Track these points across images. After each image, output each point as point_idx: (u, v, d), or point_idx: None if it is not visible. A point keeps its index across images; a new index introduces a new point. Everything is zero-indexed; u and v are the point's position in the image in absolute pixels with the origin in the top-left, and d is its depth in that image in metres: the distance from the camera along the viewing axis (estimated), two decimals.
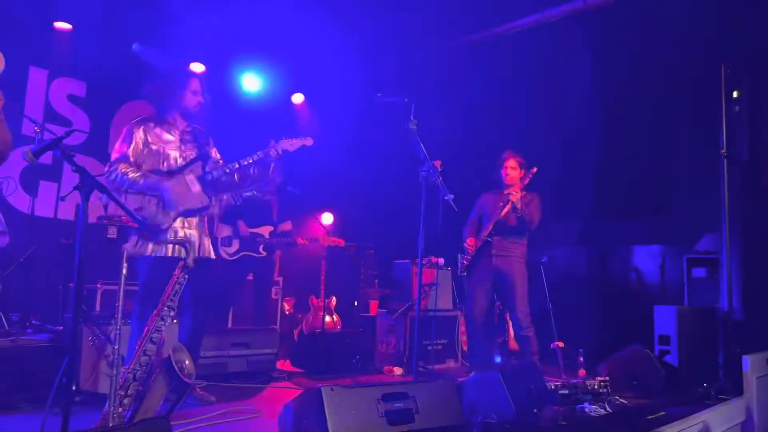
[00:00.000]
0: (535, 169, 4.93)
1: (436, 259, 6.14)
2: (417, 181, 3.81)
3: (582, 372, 4.81)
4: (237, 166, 3.75)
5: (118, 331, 2.78)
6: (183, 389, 2.90)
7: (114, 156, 3.60)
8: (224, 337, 4.70)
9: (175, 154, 3.71)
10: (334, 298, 6.70)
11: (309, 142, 3.88)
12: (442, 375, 5.19)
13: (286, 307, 6.87)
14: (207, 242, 3.79)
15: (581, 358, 4.96)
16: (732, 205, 5.03)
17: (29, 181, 5.60)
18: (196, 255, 3.57)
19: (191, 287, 3.43)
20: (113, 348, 2.77)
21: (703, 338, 4.83)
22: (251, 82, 7.14)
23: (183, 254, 3.10)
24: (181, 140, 3.76)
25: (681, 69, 5.73)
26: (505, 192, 4.99)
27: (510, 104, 6.98)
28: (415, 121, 3.75)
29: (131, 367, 2.89)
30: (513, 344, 5.62)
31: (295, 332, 6.49)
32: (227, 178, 3.78)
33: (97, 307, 4.84)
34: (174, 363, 2.81)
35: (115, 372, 2.75)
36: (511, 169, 5.10)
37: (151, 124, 3.70)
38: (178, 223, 3.60)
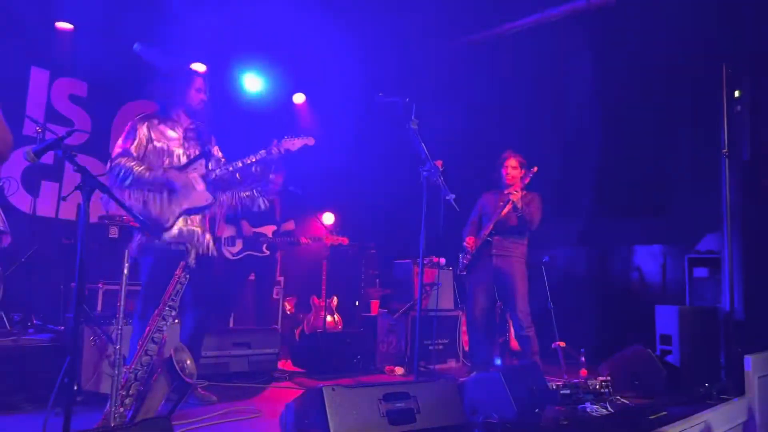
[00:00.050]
0: (535, 169, 4.93)
1: (437, 258, 6.14)
2: (418, 180, 3.81)
3: (583, 372, 4.81)
4: (240, 164, 3.76)
5: (119, 331, 2.79)
6: (184, 389, 2.90)
7: (116, 151, 3.60)
8: (226, 336, 4.70)
9: (179, 152, 3.72)
10: (335, 297, 6.71)
11: (311, 141, 3.90)
12: (443, 375, 5.19)
13: (288, 306, 6.87)
14: (209, 240, 3.80)
15: (582, 358, 4.97)
16: (733, 205, 5.03)
17: (31, 181, 5.61)
18: (199, 253, 3.58)
19: (193, 286, 3.43)
20: (115, 348, 2.77)
21: (705, 338, 4.84)
22: (252, 82, 7.15)
23: (185, 249, 3.11)
24: (185, 137, 3.77)
25: (682, 68, 5.73)
26: (506, 192, 4.99)
27: (511, 104, 6.98)
28: (417, 121, 3.75)
29: (133, 366, 2.89)
30: (514, 344, 5.61)
31: (297, 332, 6.50)
32: (230, 177, 3.79)
33: (99, 307, 4.84)
34: (175, 363, 2.81)
35: (116, 372, 2.75)
36: (512, 169, 5.10)
37: (155, 121, 3.71)
38: (180, 222, 3.61)
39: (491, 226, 5.00)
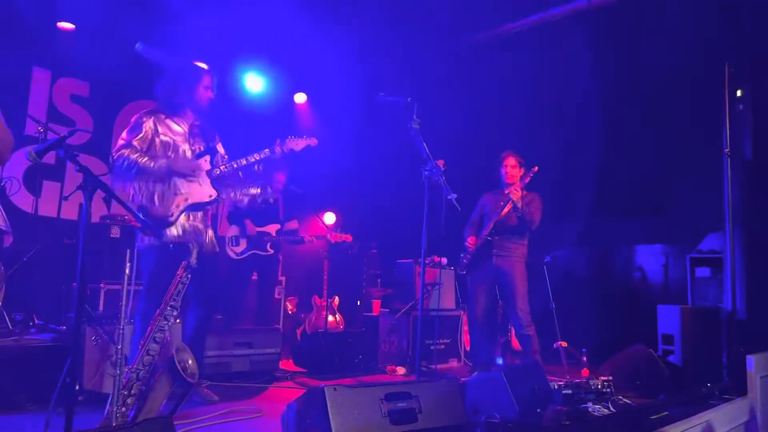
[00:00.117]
0: (536, 168, 4.92)
1: (438, 258, 6.14)
2: (420, 180, 3.81)
3: (585, 371, 4.80)
4: (244, 162, 3.79)
5: (121, 331, 2.79)
6: (186, 389, 2.90)
7: (119, 143, 3.62)
8: (227, 336, 4.70)
9: (184, 147, 3.74)
10: (336, 297, 6.71)
11: (314, 142, 3.94)
12: (445, 375, 5.18)
13: (289, 306, 6.87)
14: (211, 237, 3.81)
15: (584, 358, 4.96)
16: (735, 204, 5.02)
17: (33, 181, 5.61)
18: (202, 251, 3.59)
19: (195, 285, 3.43)
20: (117, 348, 2.77)
21: (707, 338, 4.83)
22: (253, 82, 7.15)
23: (186, 248, 3.11)
24: (190, 133, 3.80)
25: (684, 67, 5.72)
26: (506, 191, 4.99)
27: (512, 104, 6.97)
28: (418, 121, 3.74)
29: (135, 366, 2.89)
30: (516, 344, 5.61)
31: (298, 332, 6.50)
32: (233, 174, 3.81)
33: (101, 307, 4.85)
34: (177, 363, 2.81)
35: (118, 371, 2.75)
36: (511, 168, 5.10)
37: (162, 116, 3.74)
38: (183, 218, 3.62)
39: (491, 226, 5.00)
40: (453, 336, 6.07)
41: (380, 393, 2.75)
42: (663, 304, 5.29)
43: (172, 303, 3.01)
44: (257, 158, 3.81)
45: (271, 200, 4.05)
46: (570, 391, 3.70)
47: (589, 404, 3.67)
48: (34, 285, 4.84)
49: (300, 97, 7.85)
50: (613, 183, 6.51)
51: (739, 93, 5.03)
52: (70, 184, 6.04)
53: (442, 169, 3.79)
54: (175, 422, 2.46)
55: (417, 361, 3.82)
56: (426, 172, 3.78)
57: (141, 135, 3.62)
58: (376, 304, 6.87)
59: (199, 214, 3.74)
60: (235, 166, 3.79)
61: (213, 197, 3.73)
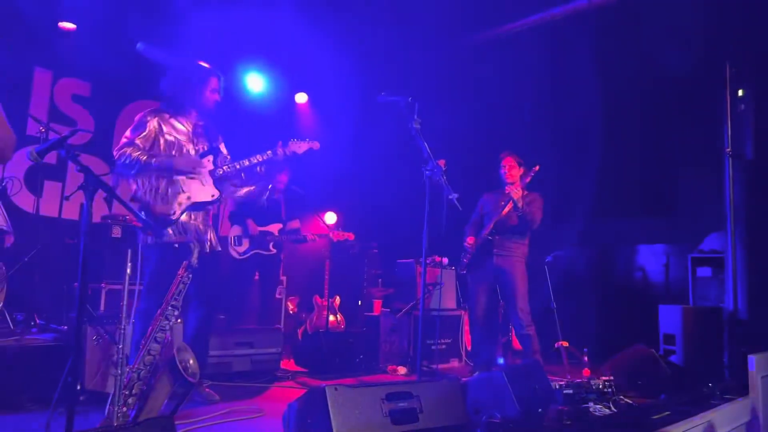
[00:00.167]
0: (537, 168, 4.92)
1: (440, 258, 6.14)
2: (421, 180, 3.81)
3: (586, 371, 4.80)
4: (246, 163, 3.81)
5: (122, 331, 2.79)
6: (187, 389, 2.90)
7: (123, 141, 3.63)
8: (228, 336, 4.70)
9: (188, 147, 3.75)
10: (338, 297, 6.71)
11: (316, 145, 3.98)
12: (446, 375, 5.18)
13: (290, 306, 6.88)
14: (212, 236, 3.82)
15: (585, 358, 4.95)
16: (737, 204, 5.02)
17: (34, 181, 5.62)
18: (203, 251, 3.60)
19: (196, 285, 3.44)
20: (118, 347, 2.77)
21: (708, 338, 4.83)
22: (254, 82, 7.15)
23: (188, 248, 3.11)
24: (194, 133, 3.81)
25: (686, 67, 5.71)
26: (507, 190, 4.99)
27: (513, 103, 6.97)
28: (419, 120, 3.74)
29: (136, 366, 2.89)
30: (517, 343, 5.61)
31: (299, 331, 6.50)
32: (235, 175, 3.83)
33: (102, 307, 4.86)
34: (178, 362, 2.81)
35: (119, 371, 2.75)
36: (510, 168, 5.10)
37: (166, 115, 3.75)
38: (184, 217, 3.63)
39: (492, 225, 5.00)
40: (454, 336, 6.07)
41: (381, 393, 2.75)
42: (664, 303, 5.29)
43: (174, 303, 3.01)
44: (260, 160, 3.84)
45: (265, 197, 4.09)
46: (571, 391, 3.69)
47: (591, 404, 3.66)
48: (36, 285, 4.85)
49: (301, 97, 7.85)
50: (614, 183, 6.51)
51: (740, 93, 5.03)
52: (72, 184, 6.05)
53: (443, 168, 3.79)
54: (177, 422, 2.46)
55: (418, 360, 3.82)
56: (427, 172, 3.78)
57: (144, 133, 3.63)
58: (377, 303, 6.87)
59: (201, 214, 3.75)
60: (238, 167, 3.81)
61: (215, 197, 3.75)
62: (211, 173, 3.75)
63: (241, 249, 5.73)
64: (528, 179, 4.94)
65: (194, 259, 3.08)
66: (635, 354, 4.46)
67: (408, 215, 5.75)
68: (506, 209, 4.93)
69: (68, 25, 5.97)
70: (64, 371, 2.49)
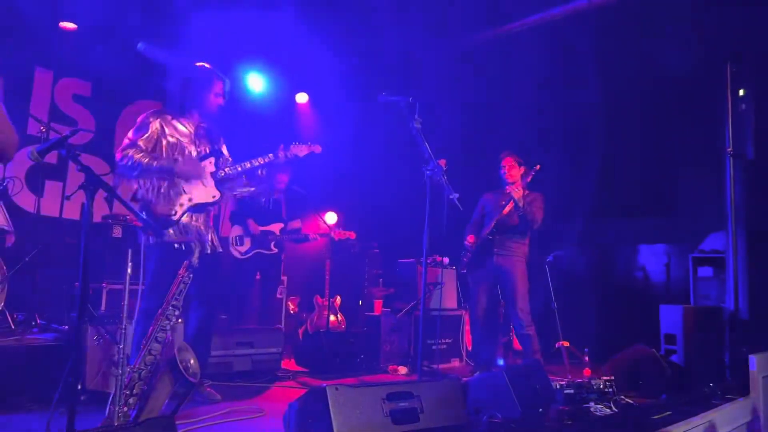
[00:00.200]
0: (538, 167, 4.92)
1: (440, 258, 6.14)
2: (421, 180, 3.81)
3: (587, 371, 4.80)
4: (248, 165, 3.83)
5: (123, 331, 2.79)
6: (188, 388, 2.90)
7: (125, 142, 3.63)
8: (229, 336, 4.71)
9: (190, 148, 3.76)
10: (338, 297, 6.71)
11: (317, 149, 4.00)
12: (447, 374, 5.18)
13: (291, 306, 6.88)
14: (213, 237, 3.83)
15: (586, 358, 4.95)
16: (738, 204, 5.01)
17: (35, 181, 5.62)
18: (204, 252, 3.61)
19: (197, 285, 3.44)
20: (118, 347, 2.77)
21: (709, 338, 4.81)
22: (255, 82, 7.15)
23: (189, 248, 3.11)
24: (196, 135, 3.82)
25: (687, 66, 5.71)
26: (507, 190, 4.99)
27: (514, 103, 6.96)
28: (420, 120, 3.74)
29: (137, 366, 2.89)
30: (517, 343, 5.61)
31: (300, 331, 6.51)
32: (237, 177, 3.84)
33: (103, 307, 4.85)
34: (179, 362, 2.81)
35: (120, 371, 2.75)
36: (509, 168, 5.10)
37: (168, 117, 3.75)
38: (186, 218, 3.63)
39: (493, 225, 4.99)
40: (455, 336, 6.07)
41: (382, 393, 2.75)
42: (665, 303, 5.27)
43: (174, 302, 3.01)
44: (261, 162, 3.85)
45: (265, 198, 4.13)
46: (572, 391, 3.69)
47: (591, 404, 3.66)
48: (37, 285, 4.84)
49: (302, 97, 7.85)
50: (614, 182, 6.51)
51: (741, 92, 5.02)
52: (72, 183, 6.05)
53: (444, 168, 3.79)
54: (177, 422, 2.46)
55: (419, 360, 3.81)
56: (428, 172, 3.78)
57: (147, 135, 3.63)
58: (378, 303, 6.87)
59: (202, 215, 3.75)
60: (240, 169, 3.82)
61: (216, 198, 3.76)
62: (213, 175, 3.76)
63: (243, 249, 5.74)
64: (529, 178, 4.94)
65: (195, 259, 3.08)
66: (636, 354, 4.46)
67: (409, 215, 5.75)
68: (507, 208, 4.93)
69: (69, 25, 5.97)
70: (64, 371, 2.50)
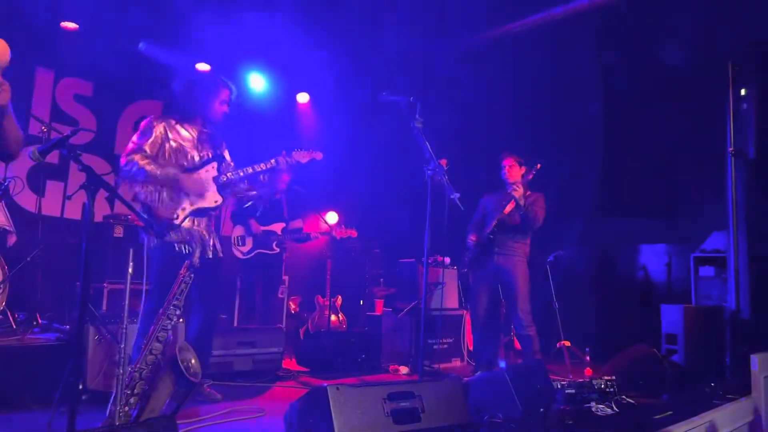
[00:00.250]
0: (539, 165, 4.92)
1: (441, 258, 6.14)
2: (423, 179, 3.81)
3: (588, 371, 4.80)
4: (250, 171, 3.84)
5: (124, 330, 2.79)
6: (189, 388, 2.90)
7: (130, 147, 3.64)
8: (230, 335, 4.71)
9: (193, 153, 3.76)
10: (339, 297, 6.71)
11: (319, 156, 4.05)
12: (448, 374, 5.18)
13: (292, 306, 6.88)
14: (215, 242, 3.83)
15: (587, 357, 4.95)
16: (739, 204, 5.01)
17: (36, 181, 5.61)
18: (205, 255, 3.61)
19: (198, 287, 3.46)
20: (120, 347, 2.77)
21: (710, 337, 4.82)
22: (256, 82, 7.15)
23: (190, 249, 3.12)
24: (199, 140, 3.82)
25: (688, 66, 5.71)
26: (509, 190, 4.98)
27: (515, 103, 6.96)
28: (421, 120, 3.74)
29: (138, 366, 2.90)
30: (518, 343, 5.61)
31: (301, 331, 6.50)
32: (239, 182, 3.85)
33: (104, 306, 4.86)
34: (180, 362, 2.81)
35: (121, 371, 2.75)
36: (509, 168, 5.10)
37: (172, 121, 3.76)
38: (188, 223, 3.64)
39: (494, 224, 4.99)
40: (456, 335, 6.07)
41: (383, 392, 2.75)
42: (666, 303, 5.28)
43: (175, 302, 3.01)
44: (263, 168, 3.88)
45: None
46: (573, 391, 3.69)
47: (592, 404, 3.66)
48: (38, 284, 4.84)
49: (302, 97, 7.84)
50: (615, 182, 6.50)
51: (743, 92, 5.02)
52: (73, 183, 6.05)
53: (445, 168, 3.79)
54: (178, 421, 2.47)
55: (420, 360, 3.81)
56: (429, 172, 3.77)
57: (152, 139, 3.65)
58: (379, 303, 6.87)
59: (204, 219, 3.77)
60: (242, 174, 3.84)
61: (218, 203, 3.78)
62: (215, 180, 3.77)
63: (245, 249, 5.75)
64: (530, 177, 4.94)
65: (196, 259, 3.08)
66: (637, 354, 4.46)
67: (410, 215, 5.75)
68: (508, 208, 4.93)
69: (70, 25, 5.97)
70: (66, 371, 2.50)
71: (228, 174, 3.81)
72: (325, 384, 2.62)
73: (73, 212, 6.04)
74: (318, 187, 6.64)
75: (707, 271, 5.45)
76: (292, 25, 6.05)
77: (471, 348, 5.94)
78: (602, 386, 3.82)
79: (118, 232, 5.24)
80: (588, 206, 6.58)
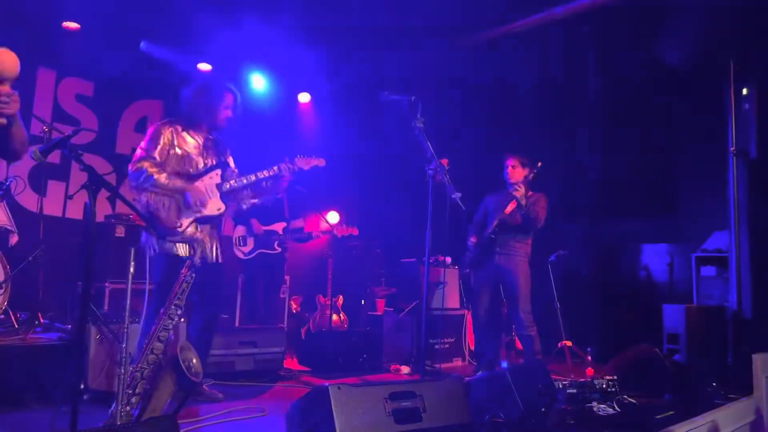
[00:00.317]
0: (540, 164, 4.91)
1: (443, 257, 6.14)
2: (424, 179, 3.81)
3: (590, 371, 4.80)
4: (254, 178, 3.88)
5: (126, 330, 2.79)
6: (190, 388, 2.90)
7: (139, 153, 3.66)
8: (232, 335, 4.71)
9: (198, 159, 3.79)
10: (341, 296, 6.71)
11: (322, 162, 4.11)
12: (449, 374, 5.18)
13: (294, 305, 6.88)
14: (217, 248, 3.85)
15: (589, 357, 4.95)
16: (741, 203, 5.01)
17: (38, 181, 5.62)
18: (209, 261, 3.65)
19: (200, 289, 3.47)
20: (121, 347, 2.77)
21: (712, 337, 4.82)
22: (257, 81, 7.15)
23: (191, 252, 3.12)
24: (204, 146, 3.85)
25: (689, 65, 5.70)
26: (510, 190, 4.98)
27: (516, 103, 6.95)
28: (422, 119, 3.74)
29: (139, 365, 2.90)
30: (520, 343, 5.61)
31: (303, 331, 6.50)
32: (242, 189, 3.88)
33: (105, 306, 4.86)
34: (181, 362, 2.81)
35: (123, 371, 2.76)
36: (512, 168, 5.09)
37: (179, 127, 3.79)
38: (191, 229, 3.66)
39: (496, 224, 4.99)
40: (457, 335, 6.06)
41: (384, 392, 2.75)
42: (668, 303, 5.27)
43: (177, 302, 3.01)
44: (266, 175, 3.91)
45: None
46: (575, 391, 3.69)
47: (594, 403, 3.66)
48: (40, 284, 4.85)
49: (304, 97, 7.84)
50: (617, 182, 6.49)
51: (744, 91, 5.01)
52: (75, 183, 6.05)
53: (447, 168, 3.79)
54: (180, 421, 2.47)
55: (421, 360, 3.82)
56: (430, 171, 3.78)
57: (160, 146, 3.68)
58: (381, 303, 6.87)
59: (207, 225, 3.79)
60: (245, 181, 3.87)
61: (221, 211, 3.81)
62: (219, 187, 3.79)
63: (246, 249, 5.75)
64: (531, 176, 4.93)
65: (197, 259, 3.09)
66: (639, 353, 4.45)
67: (411, 214, 5.74)
68: (510, 208, 4.92)
69: (72, 25, 5.97)
70: (68, 370, 2.50)
71: (231, 182, 3.84)
72: (327, 384, 2.62)
73: (75, 212, 6.04)
74: (319, 186, 6.64)
75: (709, 270, 5.45)
76: (292, 25, 6.06)
77: (472, 348, 5.94)
78: (604, 386, 3.82)
79: (120, 231, 5.25)
80: (590, 206, 6.58)
